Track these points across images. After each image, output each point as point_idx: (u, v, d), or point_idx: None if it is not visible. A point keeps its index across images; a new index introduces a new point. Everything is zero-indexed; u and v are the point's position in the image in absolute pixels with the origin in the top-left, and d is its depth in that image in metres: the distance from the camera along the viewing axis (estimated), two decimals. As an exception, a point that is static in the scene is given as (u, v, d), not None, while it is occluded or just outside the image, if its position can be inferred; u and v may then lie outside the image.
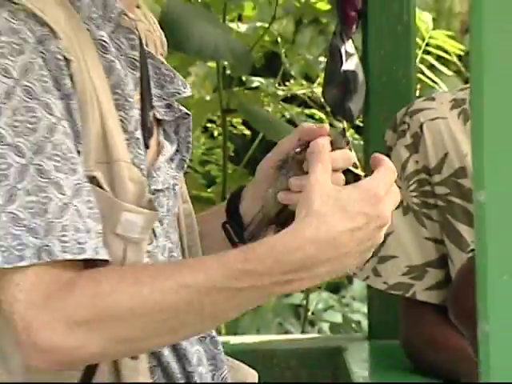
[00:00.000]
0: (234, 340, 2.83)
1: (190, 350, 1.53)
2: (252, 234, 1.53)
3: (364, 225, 1.27)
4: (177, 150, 1.57)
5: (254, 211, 1.53)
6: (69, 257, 1.26)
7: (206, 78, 3.58)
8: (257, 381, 1.72)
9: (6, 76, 1.34)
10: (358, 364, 2.63)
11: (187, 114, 1.55)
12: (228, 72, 3.25)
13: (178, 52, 2.60)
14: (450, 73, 3.51)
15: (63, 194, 1.31)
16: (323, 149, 1.34)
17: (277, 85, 3.27)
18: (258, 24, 3.40)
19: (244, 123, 3.44)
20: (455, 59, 3.44)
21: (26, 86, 1.36)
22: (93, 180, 1.37)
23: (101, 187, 1.36)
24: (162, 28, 1.58)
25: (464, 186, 2.27)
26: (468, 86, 2.53)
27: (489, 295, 1.06)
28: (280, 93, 3.28)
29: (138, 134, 1.46)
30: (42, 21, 1.36)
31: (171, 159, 1.55)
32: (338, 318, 3.98)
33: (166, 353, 1.49)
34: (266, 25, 3.28)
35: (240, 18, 3.62)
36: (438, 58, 3.40)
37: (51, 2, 1.41)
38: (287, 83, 3.35)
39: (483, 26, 1.10)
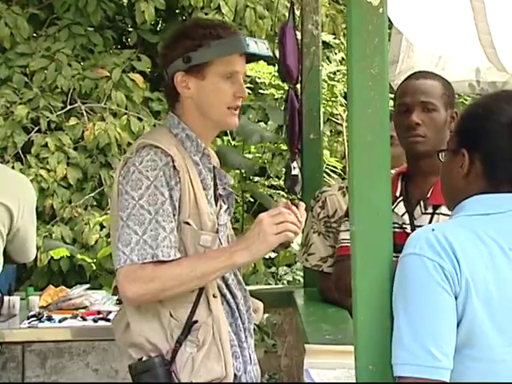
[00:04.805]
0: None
1: (236, 293, 2.44)
2: None
3: (258, 233, 2.24)
4: (227, 208, 2.47)
5: None
6: (164, 259, 2.22)
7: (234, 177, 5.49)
8: (262, 308, 2.57)
9: (147, 179, 2.24)
10: (299, 299, 3.79)
11: (232, 192, 2.51)
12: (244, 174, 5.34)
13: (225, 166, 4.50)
14: (335, 177, 5.81)
15: (165, 232, 2.23)
16: (277, 209, 2.28)
17: (266, 182, 5.29)
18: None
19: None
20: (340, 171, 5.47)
21: (155, 185, 2.24)
22: (188, 223, 2.29)
23: (190, 225, 2.30)
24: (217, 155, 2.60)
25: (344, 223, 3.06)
26: (346, 180, 3.75)
27: (357, 278, 1.69)
28: (266, 183, 5.28)
29: (212, 200, 2.38)
30: (167, 153, 2.28)
31: (225, 211, 2.45)
32: (290, 278, 5.82)
33: (227, 294, 2.39)
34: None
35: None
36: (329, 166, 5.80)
37: (172, 145, 2.31)
38: (271, 180, 5.41)
39: (353, 139, 1.68)
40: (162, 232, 2.22)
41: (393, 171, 2.80)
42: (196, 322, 2.29)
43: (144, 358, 2.30)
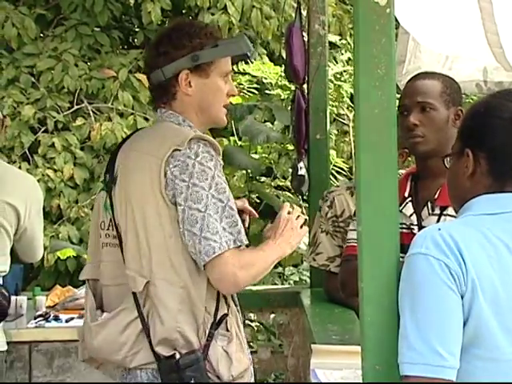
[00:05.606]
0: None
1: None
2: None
3: (291, 228, 2.43)
4: None
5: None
6: (246, 243, 2.31)
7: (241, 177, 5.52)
8: None
9: (209, 169, 2.28)
10: (305, 299, 3.88)
11: None
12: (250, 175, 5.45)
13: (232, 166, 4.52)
14: (341, 178, 5.68)
15: (237, 216, 2.30)
16: (285, 208, 2.48)
17: (272, 183, 5.31)
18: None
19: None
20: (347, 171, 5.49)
21: (218, 174, 2.30)
22: None
23: None
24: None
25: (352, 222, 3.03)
26: (352, 181, 3.86)
27: (364, 277, 1.70)
28: (273, 184, 5.31)
29: None
30: (214, 146, 2.34)
31: None
32: (297, 278, 5.87)
33: (235, 296, 2.46)
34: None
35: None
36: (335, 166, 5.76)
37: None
38: (277, 180, 5.39)
39: (359, 140, 1.69)
40: (237, 217, 2.30)
41: (403, 171, 2.79)
42: (226, 314, 2.32)
43: (177, 355, 2.28)
